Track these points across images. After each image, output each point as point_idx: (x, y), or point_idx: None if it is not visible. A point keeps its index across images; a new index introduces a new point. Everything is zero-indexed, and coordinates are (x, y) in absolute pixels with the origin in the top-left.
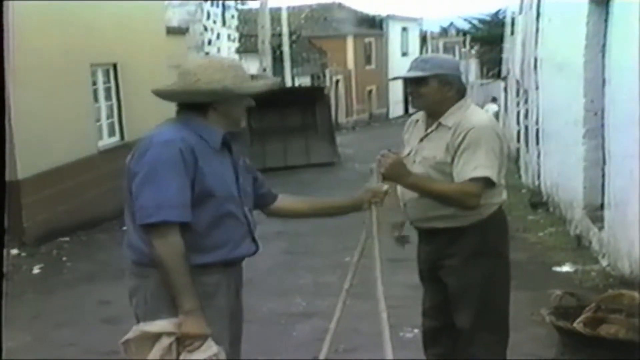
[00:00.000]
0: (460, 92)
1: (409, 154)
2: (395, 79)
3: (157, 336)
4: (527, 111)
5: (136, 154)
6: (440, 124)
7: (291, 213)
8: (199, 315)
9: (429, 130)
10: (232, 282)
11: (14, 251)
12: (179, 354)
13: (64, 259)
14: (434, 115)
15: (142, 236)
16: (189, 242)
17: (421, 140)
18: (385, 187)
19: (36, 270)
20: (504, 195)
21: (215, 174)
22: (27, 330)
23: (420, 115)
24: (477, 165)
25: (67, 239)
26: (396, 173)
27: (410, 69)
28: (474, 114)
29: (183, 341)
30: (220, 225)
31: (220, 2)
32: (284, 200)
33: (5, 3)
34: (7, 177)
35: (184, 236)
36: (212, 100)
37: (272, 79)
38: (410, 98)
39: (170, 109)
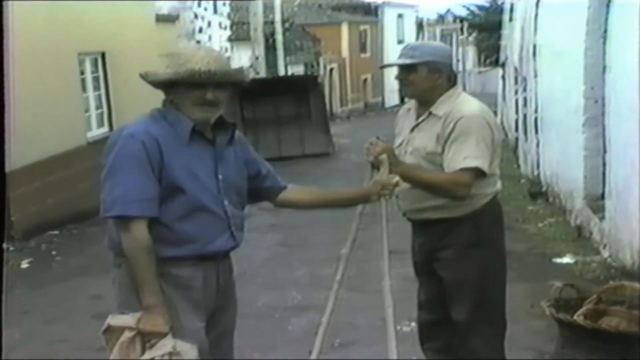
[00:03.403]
0: (450, 80)
1: (400, 144)
2: (384, 66)
3: (121, 330)
4: (525, 99)
5: (106, 148)
6: (430, 113)
7: (299, 204)
8: (158, 312)
9: (420, 119)
10: (211, 277)
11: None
12: (144, 348)
13: (54, 252)
14: (424, 104)
15: (115, 226)
16: (159, 235)
17: (412, 130)
18: (395, 179)
19: (25, 264)
20: (498, 185)
21: (185, 167)
22: (16, 326)
23: (412, 104)
24: (467, 155)
25: (56, 232)
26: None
27: (400, 56)
28: (465, 102)
29: (144, 336)
30: (191, 219)
31: None
32: (292, 192)
33: (5, 3)
34: None
35: (152, 229)
36: (158, 87)
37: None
38: (400, 86)
39: (160, 98)
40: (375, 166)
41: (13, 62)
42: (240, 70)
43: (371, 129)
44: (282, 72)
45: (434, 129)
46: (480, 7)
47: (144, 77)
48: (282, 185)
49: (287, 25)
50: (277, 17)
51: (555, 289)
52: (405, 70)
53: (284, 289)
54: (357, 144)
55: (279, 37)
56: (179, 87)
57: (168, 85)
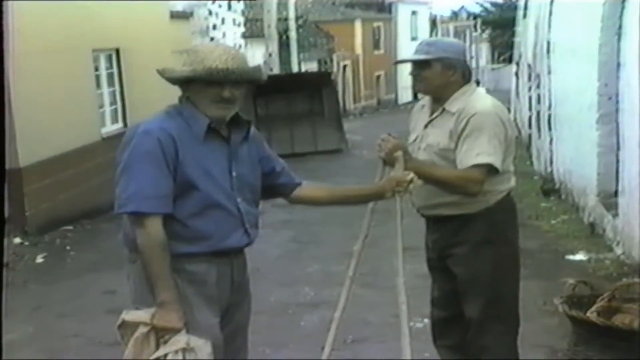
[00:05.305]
0: (465, 76)
1: (414, 141)
2: (398, 62)
3: (136, 325)
4: (539, 96)
5: (122, 144)
6: (444, 109)
7: (314, 201)
8: (172, 308)
9: (434, 116)
10: (226, 273)
11: (17, 240)
12: (158, 343)
13: (68, 248)
14: (438, 100)
15: (129, 222)
16: (173, 231)
17: (426, 126)
18: (410, 175)
19: (39, 259)
20: (512, 182)
21: (199, 164)
22: (29, 320)
23: (427, 100)
24: (479, 151)
25: (70, 227)
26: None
27: (415, 52)
28: (478, 99)
29: (158, 332)
30: (205, 215)
31: None
32: (307, 189)
33: (5, 3)
34: (8, 165)
35: (167, 225)
36: (175, 84)
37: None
38: (414, 81)
39: (174, 94)
40: (387, 162)
41: (24, 59)
42: (258, 68)
43: (384, 125)
44: (295, 69)
45: (447, 125)
46: (494, 4)
47: (161, 73)
48: (297, 181)
49: (300, 22)
50: (291, 14)
51: (568, 286)
52: (419, 66)
53: (296, 285)
54: (370, 140)
55: (293, 34)
56: (196, 84)
57: (185, 82)
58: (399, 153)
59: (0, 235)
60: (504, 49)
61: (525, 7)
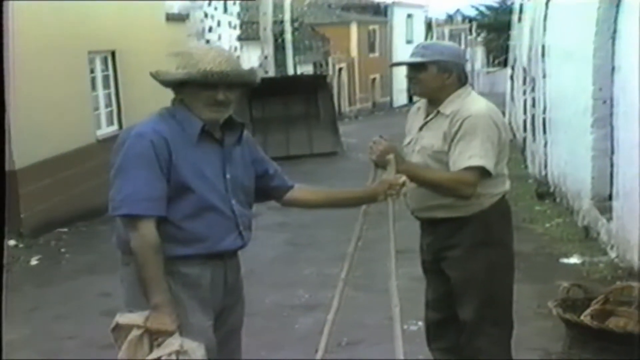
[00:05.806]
0: (460, 79)
1: (409, 143)
2: (394, 65)
3: (129, 328)
4: (534, 100)
5: (115, 146)
6: (439, 112)
7: (306, 203)
8: (165, 311)
9: (428, 118)
10: (219, 275)
11: (11, 242)
12: (152, 346)
13: (63, 250)
14: (434, 103)
15: (123, 225)
16: (167, 233)
17: (420, 128)
18: (402, 178)
19: (34, 261)
20: (507, 186)
21: (193, 166)
22: (25, 323)
23: (423, 103)
24: (472, 154)
25: (65, 229)
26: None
27: (412, 54)
28: (473, 102)
29: (151, 335)
30: (199, 218)
31: None
32: (299, 191)
33: (5, 3)
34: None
35: (161, 228)
36: (168, 86)
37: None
38: (409, 84)
39: (169, 97)
40: (380, 165)
41: (19, 60)
42: (252, 71)
43: (379, 128)
44: (291, 72)
45: (441, 128)
46: (489, 8)
47: (155, 76)
48: (289, 184)
49: (296, 24)
50: (287, 17)
51: (562, 289)
52: (415, 69)
53: (291, 288)
54: (365, 143)
55: (288, 37)
56: (190, 87)
57: (179, 85)
58: (391, 156)
59: (1, 236)
60: (499, 52)
61: (521, 11)
